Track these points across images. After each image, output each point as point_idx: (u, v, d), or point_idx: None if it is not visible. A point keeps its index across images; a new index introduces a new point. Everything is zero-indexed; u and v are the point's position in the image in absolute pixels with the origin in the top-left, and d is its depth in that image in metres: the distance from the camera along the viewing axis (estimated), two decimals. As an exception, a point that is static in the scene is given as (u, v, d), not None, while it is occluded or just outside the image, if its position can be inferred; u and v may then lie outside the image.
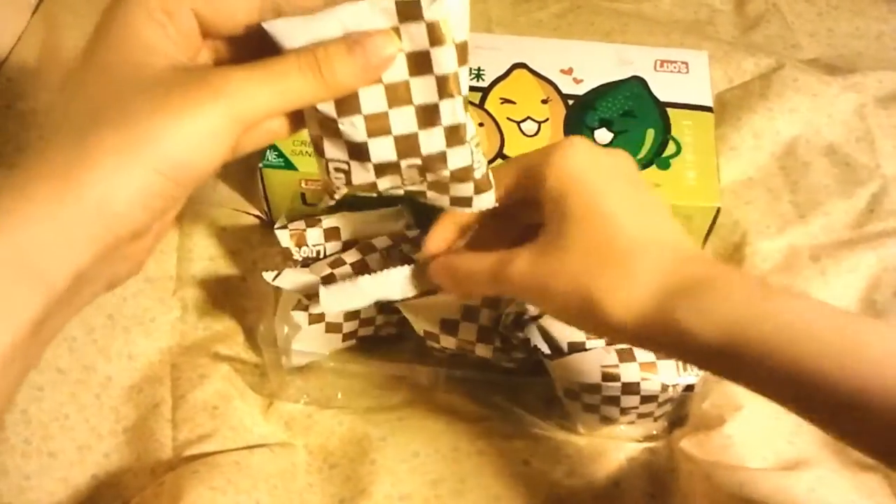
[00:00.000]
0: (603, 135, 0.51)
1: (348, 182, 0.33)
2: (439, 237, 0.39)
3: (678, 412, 0.46)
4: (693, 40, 0.65)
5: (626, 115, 0.52)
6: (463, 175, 0.33)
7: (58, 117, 0.27)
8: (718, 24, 0.68)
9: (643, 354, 0.43)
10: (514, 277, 0.33)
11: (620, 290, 0.31)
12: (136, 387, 0.47)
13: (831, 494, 0.45)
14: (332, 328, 0.46)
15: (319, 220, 0.49)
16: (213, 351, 0.49)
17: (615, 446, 0.47)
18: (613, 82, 0.54)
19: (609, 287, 0.31)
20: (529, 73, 0.54)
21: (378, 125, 0.30)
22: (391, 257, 0.47)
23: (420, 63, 0.30)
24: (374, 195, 0.35)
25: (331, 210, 0.49)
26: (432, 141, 0.31)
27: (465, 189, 0.34)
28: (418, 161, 0.32)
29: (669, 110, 0.52)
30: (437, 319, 0.45)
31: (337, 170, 0.32)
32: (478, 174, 0.34)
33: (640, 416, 0.45)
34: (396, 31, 0.29)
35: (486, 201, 0.35)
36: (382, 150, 0.31)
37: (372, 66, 0.29)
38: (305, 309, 0.44)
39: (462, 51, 0.30)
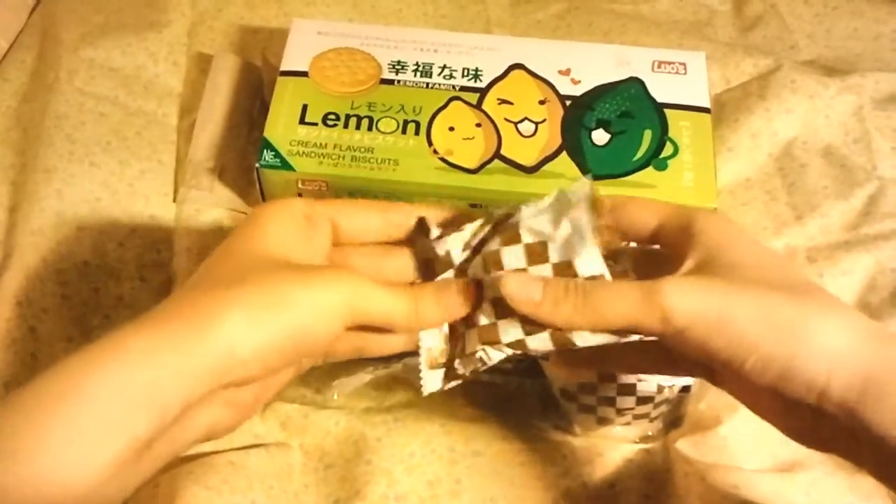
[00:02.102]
0: (600, 136, 0.51)
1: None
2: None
3: (674, 413, 0.46)
4: (691, 41, 0.65)
5: (624, 116, 0.52)
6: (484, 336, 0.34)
7: (200, 273, 0.31)
8: (717, 26, 0.68)
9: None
10: (678, 302, 0.29)
11: (828, 327, 0.28)
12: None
13: (827, 496, 0.45)
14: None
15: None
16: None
17: (611, 447, 0.47)
18: (611, 83, 0.54)
19: (810, 326, 0.28)
20: (527, 74, 0.54)
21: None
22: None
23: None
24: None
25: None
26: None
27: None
28: None
29: (667, 111, 0.52)
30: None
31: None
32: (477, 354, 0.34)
33: (637, 417, 0.45)
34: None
35: (432, 379, 0.36)
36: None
37: (448, 314, 0.34)
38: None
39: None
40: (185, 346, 0.28)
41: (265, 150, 0.50)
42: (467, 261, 0.35)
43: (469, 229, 0.35)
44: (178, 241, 0.53)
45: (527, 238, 0.33)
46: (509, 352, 0.34)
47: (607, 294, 0.31)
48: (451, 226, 0.36)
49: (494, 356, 0.34)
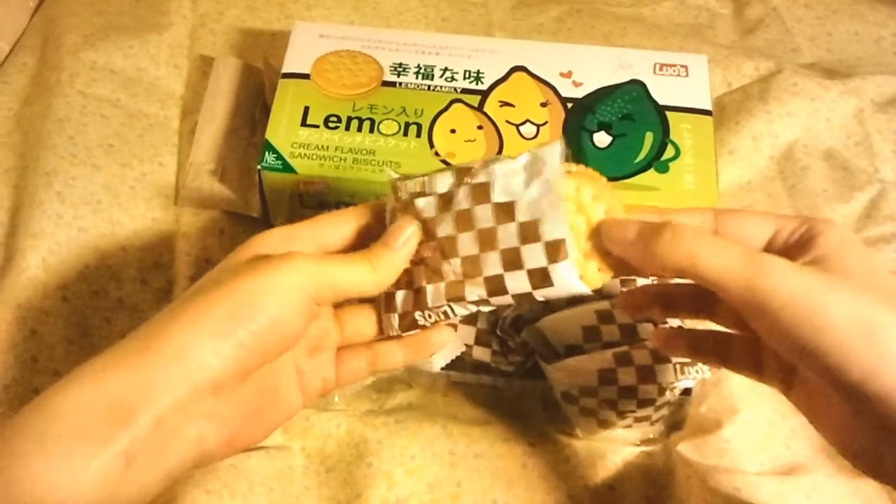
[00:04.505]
0: (602, 138, 0.51)
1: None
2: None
3: (675, 416, 0.46)
4: (693, 44, 0.65)
5: (625, 119, 0.52)
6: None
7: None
8: (718, 28, 0.68)
9: (640, 358, 0.43)
10: (779, 278, 0.29)
11: None
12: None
13: (827, 499, 0.45)
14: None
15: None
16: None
17: (612, 450, 0.47)
18: (613, 86, 0.54)
19: None
20: (529, 77, 0.54)
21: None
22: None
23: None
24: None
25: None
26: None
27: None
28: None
29: (668, 114, 0.52)
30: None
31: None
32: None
33: (638, 419, 0.45)
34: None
35: (392, 323, 0.37)
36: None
37: (403, 256, 0.34)
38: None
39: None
40: (140, 358, 0.29)
41: (267, 153, 0.50)
42: (429, 208, 0.35)
43: (429, 176, 0.36)
44: (179, 243, 0.53)
45: (498, 197, 0.33)
46: (473, 308, 0.35)
47: (707, 244, 0.30)
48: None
49: (459, 311, 0.35)
